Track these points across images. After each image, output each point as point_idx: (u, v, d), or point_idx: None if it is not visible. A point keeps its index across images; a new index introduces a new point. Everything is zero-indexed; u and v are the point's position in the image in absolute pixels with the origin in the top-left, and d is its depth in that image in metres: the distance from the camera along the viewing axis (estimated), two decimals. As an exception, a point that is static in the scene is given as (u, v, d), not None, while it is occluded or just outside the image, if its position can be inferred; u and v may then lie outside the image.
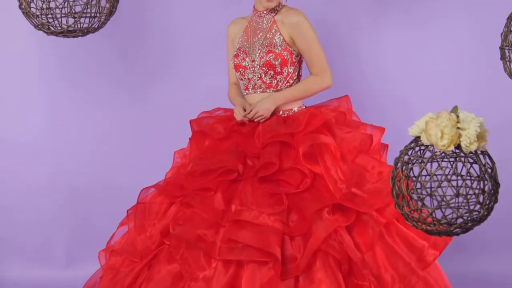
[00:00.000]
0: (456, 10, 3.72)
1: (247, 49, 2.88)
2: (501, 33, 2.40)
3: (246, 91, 2.91)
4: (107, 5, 2.63)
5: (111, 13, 2.65)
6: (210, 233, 2.54)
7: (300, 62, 2.90)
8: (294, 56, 2.85)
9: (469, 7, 3.71)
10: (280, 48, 2.82)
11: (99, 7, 2.60)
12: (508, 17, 2.39)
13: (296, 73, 2.89)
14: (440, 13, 3.72)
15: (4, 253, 3.89)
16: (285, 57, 2.82)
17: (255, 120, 2.81)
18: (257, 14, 2.91)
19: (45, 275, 3.86)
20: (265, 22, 2.88)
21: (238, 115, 2.83)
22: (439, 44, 3.74)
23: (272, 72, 2.83)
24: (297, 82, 2.89)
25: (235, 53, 2.92)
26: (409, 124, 1.96)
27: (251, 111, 2.80)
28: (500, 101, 3.73)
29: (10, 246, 3.89)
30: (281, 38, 2.83)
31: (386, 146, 2.86)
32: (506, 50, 2.37)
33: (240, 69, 2.89)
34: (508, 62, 2.37)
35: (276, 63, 2.81)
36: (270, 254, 2.43)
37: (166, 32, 3.79)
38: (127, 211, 2.83)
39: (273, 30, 2.86)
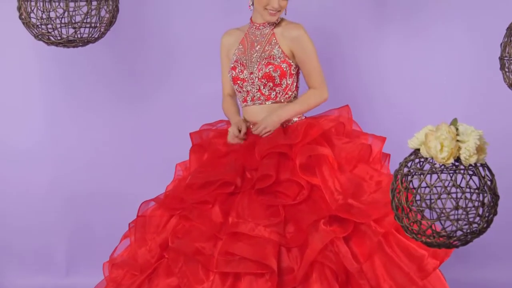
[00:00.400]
0: (456, 20, 3.71)
1: (245, 62, 2.87)
2: (501, 43, 2.41)
3: (245, 103, 2.90)
4: (107, 15, 2.61)
5: (111, 23, 2.63)
6: (208, 246, 2.54)
7: (298, 73, 2.89)
8: (292, 68, 2.84)
9: (469, 15, 3.70)
10: (279, 60, 2.82)
11: (99, 17, 2.58)
12: (507, 28, 2.40)
13: (295, 85, 2.88)
14: (441, 22, 3.71)
15: (4, 260, 3.87)
16: (284, 69, 2.81)
17: (262, 135, 2.79)
18: (254, 27, 2.90)
19: (46, 282, 3.85)
20: (263, 34, 2.87)
21: (231, 135, 2.78)
22: (439, 54, 3.73)
23: (271, 84, 2.82)
24: (295, 94, 2.89)
25: (232, 65, 2.90)
26: (409, 135, 1.96)
27: (258, 127, 2.78)
28: (500, 111, 3.72)
29: (10, 253, 3.88)
30: (280, 50, 2.82)
31: (387, 156, 2.85)
32: (505, 61, 2.38)
33: (238, 82, 2.88)
34: (507, 73, 2.38)
35: (276, 75, 2.81)
36: (266, 266, 2.43)
37: (166, 39, 3.78)
38: (129, 224, 2.83)
39: (272, 43, 2.85)
